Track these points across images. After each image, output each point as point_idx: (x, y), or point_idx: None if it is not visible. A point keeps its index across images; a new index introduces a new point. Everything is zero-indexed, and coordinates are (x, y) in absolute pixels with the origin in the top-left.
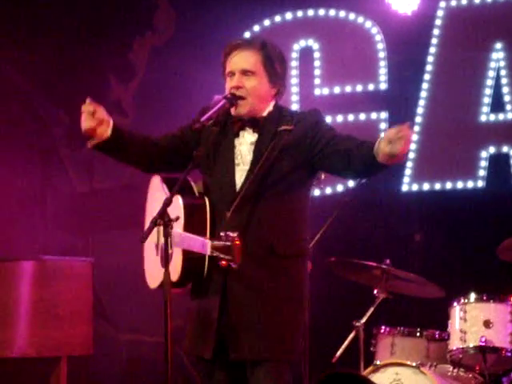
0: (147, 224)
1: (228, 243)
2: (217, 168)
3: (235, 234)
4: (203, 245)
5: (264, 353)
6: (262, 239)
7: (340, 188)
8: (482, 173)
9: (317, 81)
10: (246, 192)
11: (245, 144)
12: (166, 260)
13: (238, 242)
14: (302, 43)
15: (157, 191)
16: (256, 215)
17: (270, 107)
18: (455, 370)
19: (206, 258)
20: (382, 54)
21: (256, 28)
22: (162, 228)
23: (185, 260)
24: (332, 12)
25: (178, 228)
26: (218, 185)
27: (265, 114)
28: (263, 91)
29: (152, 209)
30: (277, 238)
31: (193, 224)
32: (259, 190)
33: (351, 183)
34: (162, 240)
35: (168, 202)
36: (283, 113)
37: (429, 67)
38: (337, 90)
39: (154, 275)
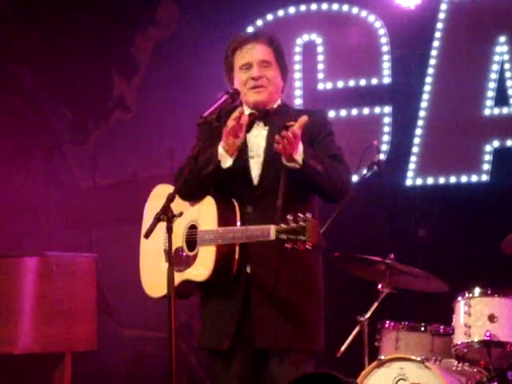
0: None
1: (302, 224)
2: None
3: (309, 215)
4: (262, 230)
5: (289, 343)
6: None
7: None
8: (486, 167)
9: (320, 75)
10: (265, 185)
11: (260, 137)
12: (169, 255)
13: (315, 221)
14: (305, 37)
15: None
16: (275, 208)
17: (279, 101)
18: (460, 365)
19: (235, 256)
20: (385, 48)
21: (259, 22)
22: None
23: (218, 259)
24: (335, 6)
25: (208, 226)
26: (233, 178)
27: (274, 106)
28: (278, 82)
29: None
30: None
31: (224, 220)
32: (276, 182)
33: (355, 178)
34: (179, 243)
35: (171, 198)
36: (288, 108)
37: (432, 61)
38: (340, 84)
39: (161, 282)
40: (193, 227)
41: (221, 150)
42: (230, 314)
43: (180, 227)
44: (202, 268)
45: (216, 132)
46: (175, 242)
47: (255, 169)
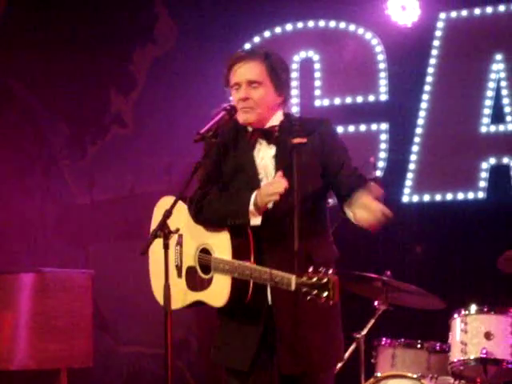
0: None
1: (325, 280)
2: (238, 182)
3: (330, 270)
4: (283, 278)
5: (313, 365)
6: (299, 251)
7: None
8: (482, 184)
9: (317, 92)
10: (280, 208)
11: (267, 158)
12: (166, 272)
13: (336, 278)
14: (303, 54)
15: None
16: (290, 228)
17: (280, 116)
18: (456, 382)
19: (250, 284)
20: (382, 66)
21: (256, 39)
22: (180, 248)
23: (233, 289)
24: (332, 23)
25: (222, 254)
26: None
27: (275, 123)
28: (270, 101)
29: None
30: (313, 247)
31: (239, 252)
32: (290, 203)
33: None
34: (192, 264)
35: (168, 215)
36: (292, 122)
37: (429, 78)
38: (337, 101)
39: (174, 296)
40: (204, 250)
41: (252, 207)
42: (252, 339)
43: (191, 247)
44: (217, 294)
45: (215, 149)
46: (188, 261)
47: None
